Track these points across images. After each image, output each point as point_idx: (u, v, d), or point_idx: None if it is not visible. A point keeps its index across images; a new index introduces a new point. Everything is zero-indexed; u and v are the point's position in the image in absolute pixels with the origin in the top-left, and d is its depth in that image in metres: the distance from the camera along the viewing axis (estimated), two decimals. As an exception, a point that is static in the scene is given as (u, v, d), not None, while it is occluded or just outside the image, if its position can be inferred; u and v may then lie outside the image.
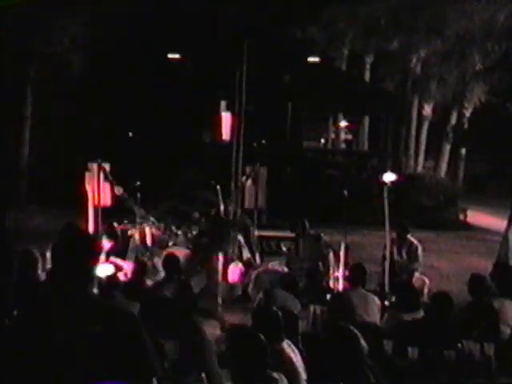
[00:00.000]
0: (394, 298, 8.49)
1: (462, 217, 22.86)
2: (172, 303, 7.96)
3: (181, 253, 11.23)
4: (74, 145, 22.86)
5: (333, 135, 30.87)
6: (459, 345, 6.08)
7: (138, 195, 12.58)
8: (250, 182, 13.94)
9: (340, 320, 7.15)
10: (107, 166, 12.20)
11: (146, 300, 7.46)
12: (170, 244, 12.25)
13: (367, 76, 28.77)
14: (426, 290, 10.49)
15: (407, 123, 27.98)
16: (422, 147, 28.41)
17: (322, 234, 12.29)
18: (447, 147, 28.25)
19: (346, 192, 11.51)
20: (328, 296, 9.35)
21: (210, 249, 7.49)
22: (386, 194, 10.30)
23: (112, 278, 8.79)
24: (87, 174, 11.97)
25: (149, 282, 9.64)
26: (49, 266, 7.33)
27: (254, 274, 11.33)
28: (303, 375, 5.53)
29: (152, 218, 12.70)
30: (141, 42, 23.44)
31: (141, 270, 9.80)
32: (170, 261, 9.16)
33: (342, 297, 8.42)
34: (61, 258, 3.38)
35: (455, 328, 6.48)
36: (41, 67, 22.41)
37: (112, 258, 10.68)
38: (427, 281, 10.92)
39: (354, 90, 25.10)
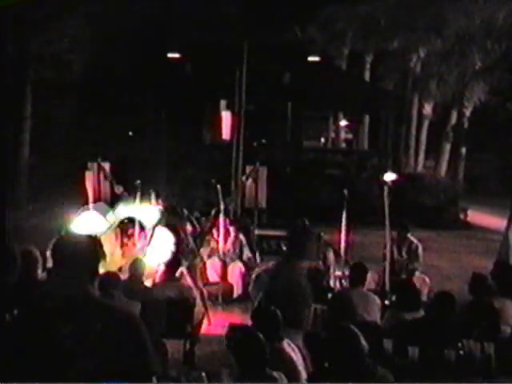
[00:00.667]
0: (394, 298, 8.49)
1: (462, 216, 22.88)
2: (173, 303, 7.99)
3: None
4: (74, 145, 22.87)
5: (333, 134, 30.90)
6: (459, 344, 6.07)
7: (138, 194, 12.57)
8: (250, 181, 13.92)
9: (340, 319, 7.15)
10: (107, 166, 12.21)
11: (147, 300, 7.47)
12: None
13: (367, 75, 28.78)
14: (426, 290, 10.48)
15: (407, 123, 28.00)
16: (422, 147, 28.42)
17: (322, 234, 12.29)
18: (447, 147, 28.26)
19: (345, 192, 11.50)
20: (328, 295, 9.34)
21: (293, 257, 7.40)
22: (386, 194, 10.28)
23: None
24: (87, 174, 11.97)
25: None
26: (49, 265, 7.33)
27: (254, 274, 11.33)
28: (303, 374, 5.53)
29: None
30: (141, 42, 23.43)
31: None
32: (172, 261, 9.15)
33: (342, 296, 8.40)
34: (60, 257, 3.38)
35: (455, 327, 6.48)
36: (41, 67, 22.40)
37: None
38: (427, 280, 10.91)
39: (353, 90, 25.10)
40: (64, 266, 3.33)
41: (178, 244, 11.57)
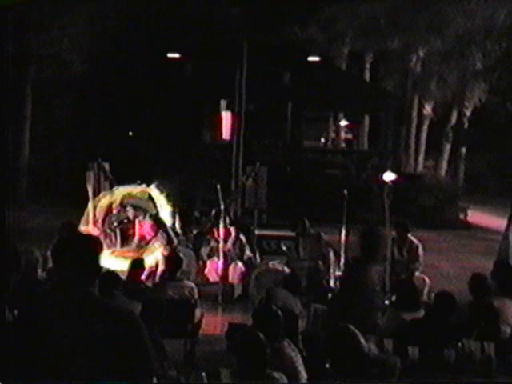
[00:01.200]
0: (394, 298, 8.48)
1: (462, 216, 22.89)
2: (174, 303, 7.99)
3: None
4: (74, 145, 22.88)
5: (333, 135, 30.87)
6: (459, 344, 6.07)
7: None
8: (250, 181, 13.92)
9: (340, 319, 7.14)
10: (107, 166, 12.21)
11: (148, 300, 7.46)
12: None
13: (367, 75, 28.78)
14: (426, 290, 10.47)
15: (407, 123, 28.00)
16: (423, 146, 28.43)
17: (323, 234, 12.29)
18: (447, 147, 28.27)
19: (346, 191, 11.50)
20: (328, 295, 9.33)
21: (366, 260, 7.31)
22: (386, 194, 10.28)
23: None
24: (87, 174, 11.97)
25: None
26: (49, 265, 7.34)
27: (254, 274, 11.34)
28: (303, 374, 5.52)
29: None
30: (141, 41, 23.44)
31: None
32: (173, 260, 9.14)
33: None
34: (61, 257, 3.38)
35: (455, 327, 6.47)
36: (41, 67, 22.41)
37: None
38: (427, 280, 10.90)
39: (353, 90, 25.11)
40: (64, 265, 3.33)
41: (176, 244, 11.60)
